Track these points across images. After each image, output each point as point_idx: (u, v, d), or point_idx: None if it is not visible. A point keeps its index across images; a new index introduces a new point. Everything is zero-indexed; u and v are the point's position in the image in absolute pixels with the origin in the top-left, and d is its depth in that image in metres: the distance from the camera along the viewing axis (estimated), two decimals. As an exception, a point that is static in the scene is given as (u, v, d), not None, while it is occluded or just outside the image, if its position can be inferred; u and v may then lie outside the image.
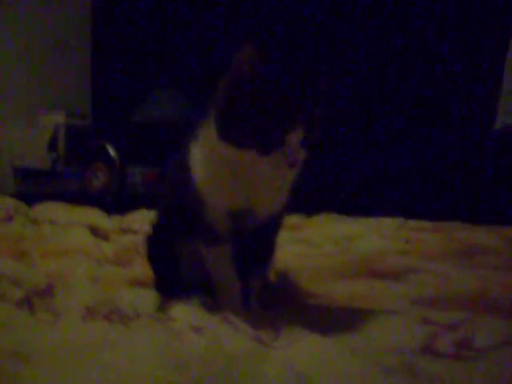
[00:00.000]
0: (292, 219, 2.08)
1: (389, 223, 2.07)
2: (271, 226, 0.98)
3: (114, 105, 3.75)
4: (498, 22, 2.71)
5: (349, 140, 2.94)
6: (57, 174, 3.40)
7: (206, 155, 0.90)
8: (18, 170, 3.47)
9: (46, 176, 3.42)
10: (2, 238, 1.69)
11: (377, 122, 2.98)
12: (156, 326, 0.83)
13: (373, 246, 1.58)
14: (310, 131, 0.83)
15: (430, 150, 2.90)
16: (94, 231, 1.85)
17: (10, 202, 2.41)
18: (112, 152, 3.26)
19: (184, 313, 0.91)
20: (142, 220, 1.92)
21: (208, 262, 0.97)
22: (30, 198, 2.63)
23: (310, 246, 1.62)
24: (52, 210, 2.31)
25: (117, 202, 3.11)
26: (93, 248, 1.56)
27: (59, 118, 3.47)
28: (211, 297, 0.99)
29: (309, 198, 2.60)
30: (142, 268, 1.27)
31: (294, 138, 0.81)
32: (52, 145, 3.44)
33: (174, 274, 1.05)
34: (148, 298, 1.03)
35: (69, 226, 1.94)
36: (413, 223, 2.07)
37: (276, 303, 1.06)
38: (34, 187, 3.44)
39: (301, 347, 0.76)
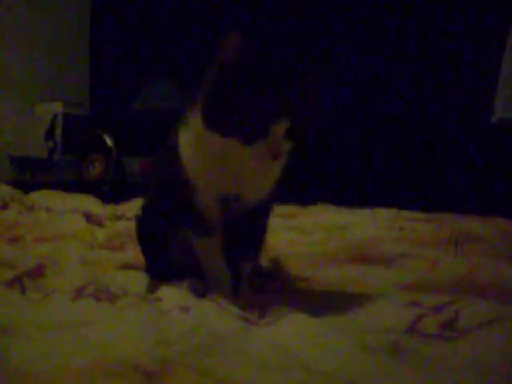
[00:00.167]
0: (287, 208, 2.09)
1: (383, 214, 2.07)
2: (260, 212, 0.98)
3: (111, 94, 3.75)
4: (496, 16, 2.71)
5: (346, 134, 2.94)
6: (54, 162, 3.41)
7: (193, 140, 0.89)
8: (15, 158, 3.47)
9: (42, 165, 3.42)
10: (-4, 224, 1.70)
11: (372, 115, 2.98)
12: (143, 305, 0.83)
13: (366, 234, 1.58)
14: (295, 124, 0.82)
15: (427, 142, 2.90)
16: (89, 218, 1.85)
17: (6, 190, 2.41)
18: (109, 141, 3.26)
19: (172, 294, 0.91)
20: (138, 208, 1.92)
21: (198, 251, 0.97)
22: (26, 187, 2.63)
23: (303, 234, 1.62)
24: (47, 198, 2.32)
25: (113, 192, 3.11)
26: (86, 233, 1.57)
27: (57, 106, 3.47)
28: (202, 281, 1.00)
29: (305, 190, 2.61)
30: (134, 252, 1.28)
31: (278, 129, 0.80)
32: (49, 134, 3.45)
33: (165, 257, 1.05)
34: (137, 280, 1.04)
35: (64, 212, 1.95)
36: (406, 214, 2.07)
37: (266, 287, 1.06)
38: (30, 176, 3.44)
39: (287, 326, 0.76)
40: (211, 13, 3.29)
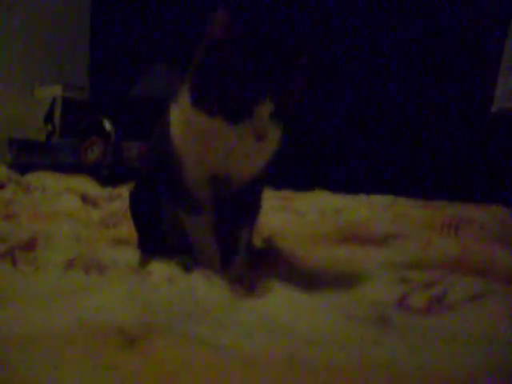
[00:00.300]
0: (283, 193, 2.08)
1: (379, 200, 2.07)
2: (251, 191, 0.97)
3: (111, 79, 3.74)
4: (498, 5, 2.69)
5: (346, 126, 2.94)
6: (52, 146, 3.40)
7: (182, 118, 0.89)
8: (14, 141, 3.46)
9: (41, 148, 3.42)
10: (-9, 202, 1.70)
11: (372, 105, 2.97)
12: (131, 277, 0.83)
13: (359, 216, 1.58)
14: (281, 105, 0.81)
15: (426, 132, 2.89)
16: (84, 199, 1.85)
17: (2, 171, 2.41)
18: (108, 126, 3.25)
19: (162, 268, 0.91)
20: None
21: (187, 229, 0.97)
22: (24, 170, 2.63)
23: (297, 215, 1.62)
24: (44, 179, 2.31)
25: (112, 176, 3.10)
26: (81, 212, 1.57)
27: (56, 90, 3.46)
28: (192, 258, 0.99)
29: (303, 177, 2.61)
30: (128, 229, 1.28)
31: (263, 110, 0.80)
32: (48, 117, 3.44)
33: (156, 233, 1.05)
34: (129, 255, 1.04)
35: (60, 193, 1.95)
36: (403, 200, 2.07)
37: (258, 265, 1.06)
38: (29, 159, 3.43)
39: (275, 299, 0.76)
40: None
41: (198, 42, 0.84)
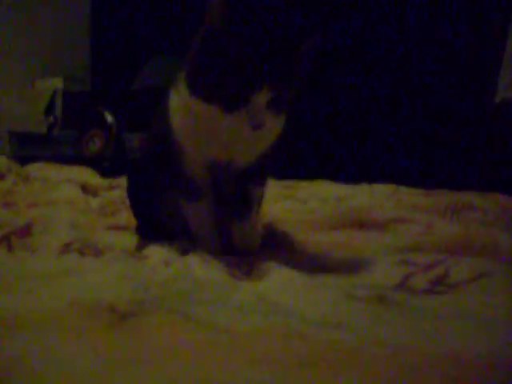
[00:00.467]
0: (286, 182, 2.07)
1: (381, 188, 2.06)
2: (251, 178, 0.96)
3: (112, 71, 3.73)
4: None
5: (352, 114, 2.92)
6: (53, 138, 3.39)
7: (181, 105, 0.88)
8: (14, 133, 3.45)
9: (42, 140, 3.41)
10: (-10, 192, 1.69)
11: (374, 93, 2.95)
12: (128, 259, 0.82)
13: (361, 203, 1.56)
14: (280, 94, 0.79)
15: (430, 122, 2.88)
16: (84, 188, 1.84)
17: (3, 162, 2.40)
18: (109, 118, 3.24)
19: (159, 251, 0.90)
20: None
21: (186, 216, 0.96)
22: (25, 162, 2.62)
23: (299, 202, 1.61)
24: (44, 170, 2.30)
25: (113, 167, 3.09)
26: (79, 200, 1.55)
27: (57, 82, 3.45)
28: (191, 243, 0.98)
29: (306, 168, 2.59)
30: (127, 218, 1.26)
31: (260, 98, 0.78)
32: (49, 109, 3.43)
33: (154, 217, 1.04)
34: (126, 240, 1.03)
35: (59, 183, 1.93)
36: (405, 189, 2.05)
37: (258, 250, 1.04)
38: (29, 151, 3.42)
39: (275, 280, 0.75)
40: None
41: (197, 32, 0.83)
